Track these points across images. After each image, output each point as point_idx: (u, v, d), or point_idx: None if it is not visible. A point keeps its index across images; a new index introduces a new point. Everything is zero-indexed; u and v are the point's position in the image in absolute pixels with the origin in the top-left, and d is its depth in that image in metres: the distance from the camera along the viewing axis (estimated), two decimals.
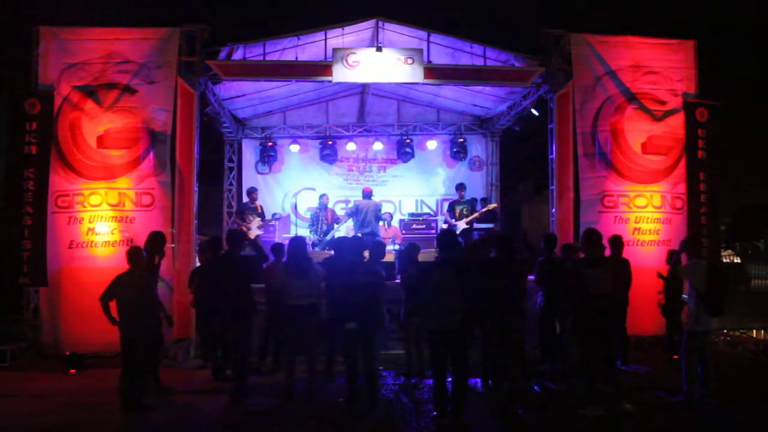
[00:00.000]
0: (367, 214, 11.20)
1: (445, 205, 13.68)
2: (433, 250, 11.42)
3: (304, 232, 12.58)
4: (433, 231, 12.67)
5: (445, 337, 5.51)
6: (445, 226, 12.53)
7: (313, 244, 11.73)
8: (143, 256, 6.46)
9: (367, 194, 11.64)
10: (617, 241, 7.75)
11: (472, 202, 12.34)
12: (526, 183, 22.34)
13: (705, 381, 6.22)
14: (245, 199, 13.05)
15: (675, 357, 7.60)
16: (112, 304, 6.15)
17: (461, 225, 11.50)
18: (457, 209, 11.91)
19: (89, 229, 8.89)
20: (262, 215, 11.86)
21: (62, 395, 6.84)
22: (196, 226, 9.46)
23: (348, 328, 6.08)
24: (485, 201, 13.07)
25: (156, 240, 7.26)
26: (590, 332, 5.91)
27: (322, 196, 12.47)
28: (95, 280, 8.19)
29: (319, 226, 12.03)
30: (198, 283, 7.89)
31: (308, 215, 13.10)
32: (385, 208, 13.04)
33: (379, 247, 7.26)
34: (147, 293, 6.28)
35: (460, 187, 12.25)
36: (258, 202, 12.08)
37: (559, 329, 7.31)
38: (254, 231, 11.35)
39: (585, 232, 6.22)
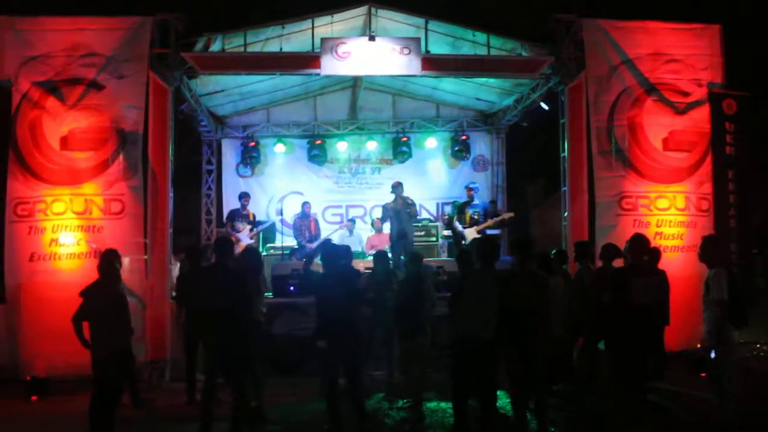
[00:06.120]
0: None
1: (447, 209, 13.66)
2: (434, 259, 11.43)
3: (290, 240, 12.56)
4: (434, 238, 12.67)
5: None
6: (446, 233, 12.50)
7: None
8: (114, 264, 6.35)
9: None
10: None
11: (486, 205, 11.67)
12: (536, 184, 22.36)
13: (731, 398, 6.17)
14: (227, 204, 13.02)
15: (702, 375, 7.59)
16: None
17: (471, 233, 10.88)
18: (468, 213, 11.24)
19: (52, 240, 8.81)
20: (253, 223, 11.79)
21: (24, 425, 6.77)
22: (170, 235, 9.42)
23: (319, 347, 5.97)
24: (494, 204, 12.84)
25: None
26: (629, 345, 5.98)
27: (304, 204, 12.44)
28: (59, 296, 8.13)
29: (302, 235, 11.99)
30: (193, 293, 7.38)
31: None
32: (378, 214, 13.03)
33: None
34: (120, 305, 6.19)
35: (470, 188, 11.58)
36: (250, 209, 12.02)
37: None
38: (244, 240, 11.26)
39: (633, 239, 6.28)
